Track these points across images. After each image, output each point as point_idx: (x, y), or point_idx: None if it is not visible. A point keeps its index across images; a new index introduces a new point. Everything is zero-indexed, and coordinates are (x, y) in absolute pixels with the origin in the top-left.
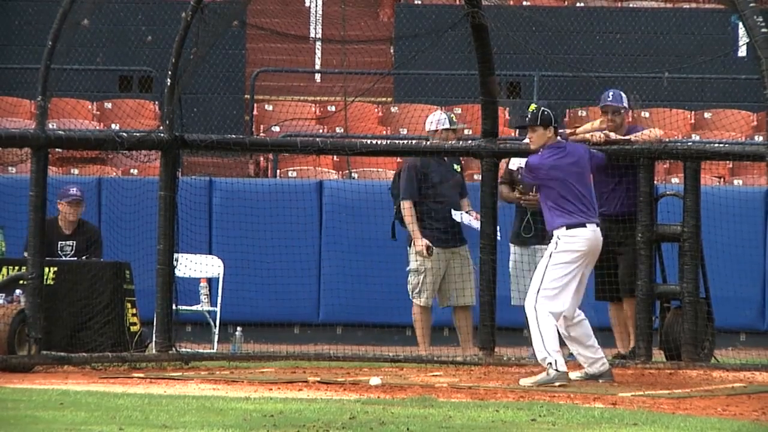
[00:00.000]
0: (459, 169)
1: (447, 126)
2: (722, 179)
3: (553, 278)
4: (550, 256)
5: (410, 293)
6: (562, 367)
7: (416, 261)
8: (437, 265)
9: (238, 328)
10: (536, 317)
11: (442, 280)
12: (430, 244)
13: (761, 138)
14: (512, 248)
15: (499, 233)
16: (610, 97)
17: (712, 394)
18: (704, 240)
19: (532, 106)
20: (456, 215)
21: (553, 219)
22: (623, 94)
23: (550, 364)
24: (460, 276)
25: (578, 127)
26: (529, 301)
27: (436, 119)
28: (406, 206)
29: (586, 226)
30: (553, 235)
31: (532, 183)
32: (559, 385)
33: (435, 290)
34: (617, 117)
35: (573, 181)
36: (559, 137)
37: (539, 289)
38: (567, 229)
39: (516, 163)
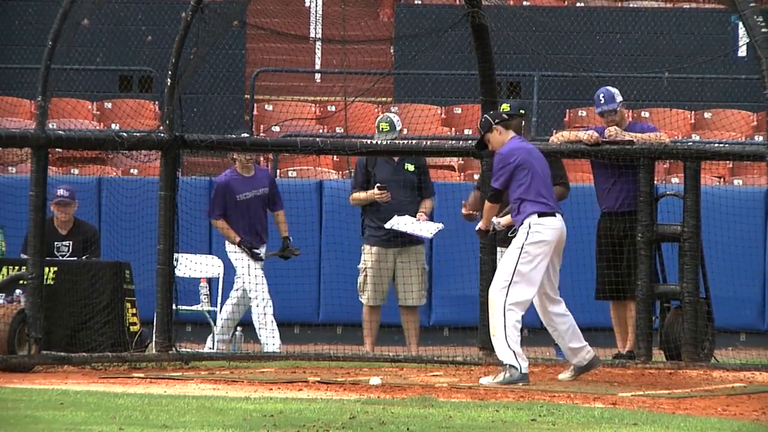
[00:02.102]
0: (412, 169)
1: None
2: (722, 179)
3: (522, 270)
4: (520, 247)
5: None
6: (525, 367)
7: (362, 260)
8: (378, 265)
9: (239, 328)
10: (503, 312)
11: (394, 280)
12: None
13: (761, 138)
14: (498, 249)
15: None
16: (603, 100)
17: (712, 394)
18: (704, 240)
19: (505, 106)
20: (388, 223)
21: (524, 208)
22: (614, 91)
23: (511, 365)
24: (409, 276)
25: (578, 127)
26: (498, 294)
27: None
28: (351, 199)
29: (555, 216)
30: (522, 224)
31: (505, 179)
32: (522, 386)
33: (380, 290)
34: (614, 116)
35: (541, 170)
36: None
37: (509, 282)
38: (539, 216)
39: None
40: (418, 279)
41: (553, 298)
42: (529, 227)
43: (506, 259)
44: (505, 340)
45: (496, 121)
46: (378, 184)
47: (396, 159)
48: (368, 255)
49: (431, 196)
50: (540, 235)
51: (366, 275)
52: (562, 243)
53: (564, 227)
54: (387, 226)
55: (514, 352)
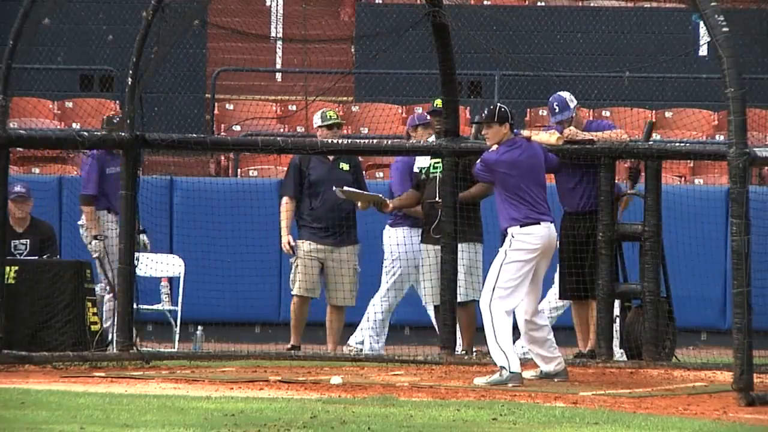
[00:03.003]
0: (347, 168)
1: (319, 123)
2: (683, 178)
3: (507, 277)
4: (505, 254)
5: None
6: (516, 368)
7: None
8: (311, 260)
9: (199, 327)
10: (491, 317)
11: (326, 277)
12: (293, 243)
13: (722, 137)
14: (423, 248)
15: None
16: (557, 109)
17: (673, 394)
18: (665, 239)
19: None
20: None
21: (508, 216)
22: (566, 96)
23: (503, 366)
24: (340, 276)
25: (540, 126)
26: (484, 300)
27: (315, 118)
28: (282, 203)
29: (540, 224)
30: (507, 233)
31: (486, 179)
32: (513, 386)
33: (309, 282)
34: (571, 122)
35: (528, 178)
36: (514, 135)
37: (494, 288)
38: (521, 227)
39: (419, 164)
40: (350, 279)
41: (533, 307)
42: (512, 236)
43: (493, 265)
44: (496, 341)
45: (511, 121)
46: (290, 242)
47: (331, 158)
48: (301, 250)
49: (367, 191)
50: (522, 244)
51: (296, 266)
52: (550, 249)
53: (551, 233)
54: (336, 190)
55: (504, 352)
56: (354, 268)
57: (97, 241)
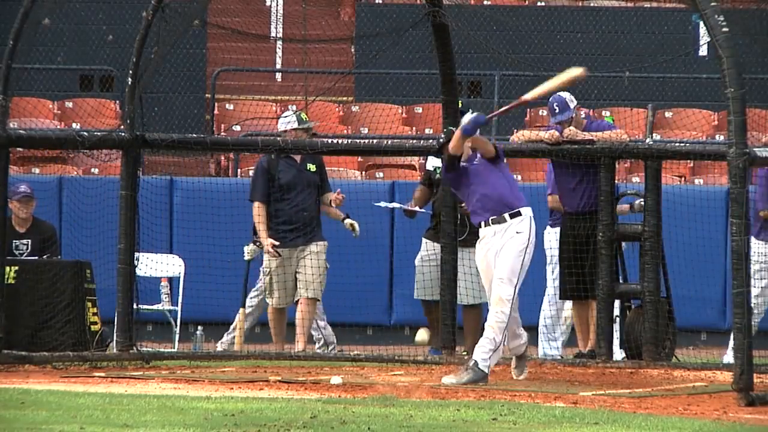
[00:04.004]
0: (314, 169)
1: (296, 125)
2: (683, 178)
3: (523, 266)
4: (527, 240)
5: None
6: (487, 370)
7: (267, 261)
8: (284, 264)
9: (199, 328)
10: (510, 311)
11: (299, 274)
12: (276, 243)
13: (722, 137)
14: (424, 242)
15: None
16: (557, 110)
17: (673, 394)
18: (665, 239)
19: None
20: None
21: (518, 196)
22: (566, 97)
23: (476, 362)
24: (309, 267)
25: (539, 126)
26: (508, 292)
27: (286, 120)
28: (255, 207)
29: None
30: (520, 214)
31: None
32: (482, 385)
33: (286, 291)
34: (571, 123)
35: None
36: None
37: (517, 278)
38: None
39: (432, 162)
40: (318, 271)
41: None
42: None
43: (512, 253)
44: (494, 341)
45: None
46: (274, 244)
47: (298, 160)
48: (272, 258)
49: (330, 191)
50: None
51: (270, 277)
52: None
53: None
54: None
55: (495, 350)
56: (324, 263)
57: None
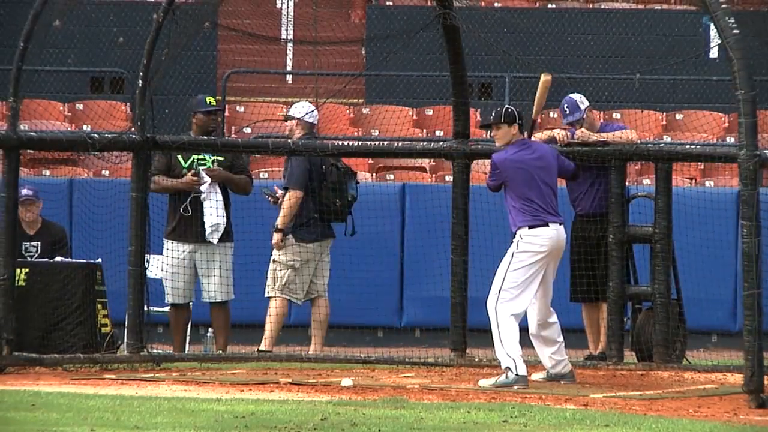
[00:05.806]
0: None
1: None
2: (694, 180)
3: (514, 279)
4: (512, 256)
5: (274, 287)
6: (522, 371)
7: (291, 254)
8: (312, 258)
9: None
10: (497, 319)
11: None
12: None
13: (733, 139)
14: (168, 243)
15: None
16: (567, 111)
17: (684, 396)
18: (676, 241)
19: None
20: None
21: (516, 218)
22: (577, 98)
23: (508, 367)
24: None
25: (551, 128)
26: (491, 302)
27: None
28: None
29: (548, 226)
30: (515, 235)
31: (495, 185)
32: (518, 389)
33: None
34: (583, 123)
35: (537, 178)
36: (524, 136)
37: (500, 290)
38: (529, 228)
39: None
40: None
41: (545, 309)
42: (520, 238)
43: (500, 267)
44: (501, 344)
45: (519, 121)
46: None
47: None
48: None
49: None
50: (530, 246)
51: (300, 270)
52: (558, 251)
53: (559, 235)
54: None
55: (510, 355)
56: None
57: None
